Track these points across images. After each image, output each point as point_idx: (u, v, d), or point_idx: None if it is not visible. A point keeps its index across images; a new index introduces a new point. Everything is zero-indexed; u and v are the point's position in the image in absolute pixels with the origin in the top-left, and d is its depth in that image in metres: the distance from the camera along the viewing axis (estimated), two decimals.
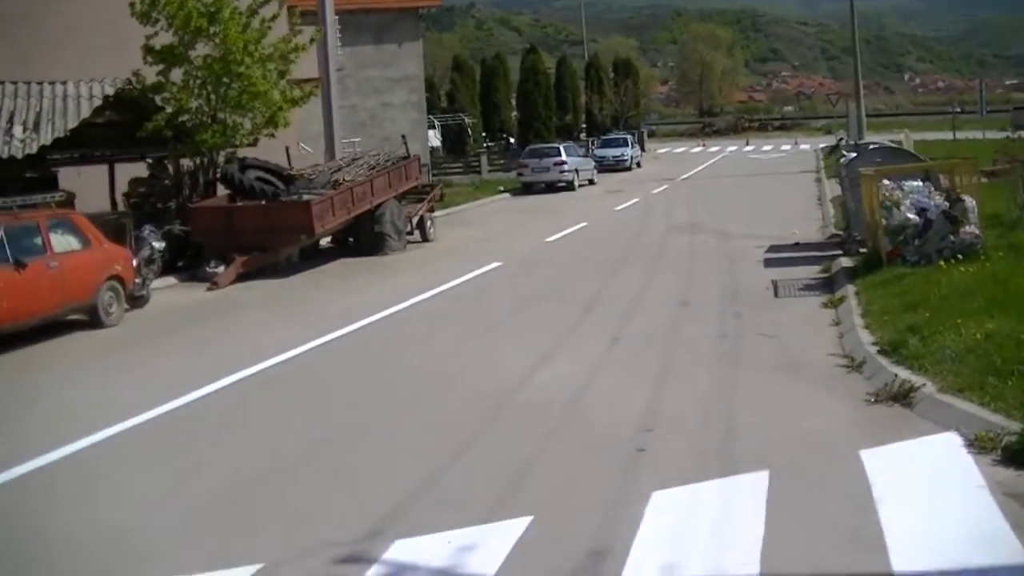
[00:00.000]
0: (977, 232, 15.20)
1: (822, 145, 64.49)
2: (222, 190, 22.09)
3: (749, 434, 8.30)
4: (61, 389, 11.69)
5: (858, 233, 18.75)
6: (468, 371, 11.43)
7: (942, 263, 14.16)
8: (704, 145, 74.40)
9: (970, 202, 15.36)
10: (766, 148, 69.06)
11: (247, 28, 21.25)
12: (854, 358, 10.91)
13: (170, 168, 21.86)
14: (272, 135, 22.11)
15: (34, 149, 18.04)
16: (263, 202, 20.67)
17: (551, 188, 40.74)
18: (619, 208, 31.97)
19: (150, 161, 22.09)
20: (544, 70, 57.13)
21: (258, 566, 6.08)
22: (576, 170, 41.81)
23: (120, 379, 12.10)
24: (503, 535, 6.31)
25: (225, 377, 11.37)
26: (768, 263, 18.93)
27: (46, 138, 18.44)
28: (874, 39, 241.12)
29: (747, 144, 74.45)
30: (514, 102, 60.48)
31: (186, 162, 22.37)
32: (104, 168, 22.35)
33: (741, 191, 37.24)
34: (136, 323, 16.01)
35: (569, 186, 40.86)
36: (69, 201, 17.17)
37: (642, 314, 14.50)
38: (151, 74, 21.52)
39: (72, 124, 18.99)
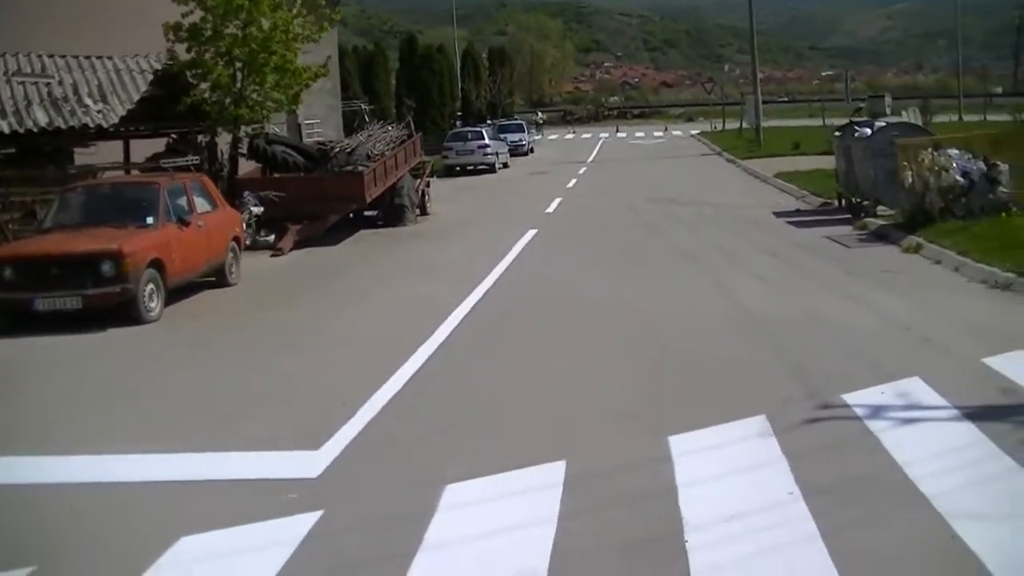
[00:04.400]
0: (1010, 191, 18.35)
1: (694, 132, 68.70)
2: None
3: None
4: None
5: (864, 198, 21.77)
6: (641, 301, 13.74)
7: (1003, 214, 17.23)
8: (575, 132, 77.70)
9: (1004, 166, 18.51)
10: (639, 135, 72.98)
11: (278, 8, 22.74)
12: (987, 281, 13.71)
13: (202, 142, 23.10)
14: (294, 110, 23.62)
15: (115, 119, 19.23)
16: (309, 173, 22.22)
17: (472, 171, 42.80)
18: (570, 186, 34.47)
19: (175, 136, 23.26)
20: (447, 60, 59.05)
21: None
22: (496, 153, 44.11)
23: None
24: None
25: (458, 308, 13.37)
26: (796, 224, 21.77)
27: (119, 110, 19.61)
28: (694, 31, 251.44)
29: (618, 131, 78.28)
30: (393, 88, 62.08)
31: (202, 137, 23.63)
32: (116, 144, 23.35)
33: (666, 171, 40.38)
34: (252, 281, 17.43)
35: (491, 168, 43.13)
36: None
37: (757, 260, 17.06)
38: (179, 51, 22.69)
39: (136, 96, 20.22)
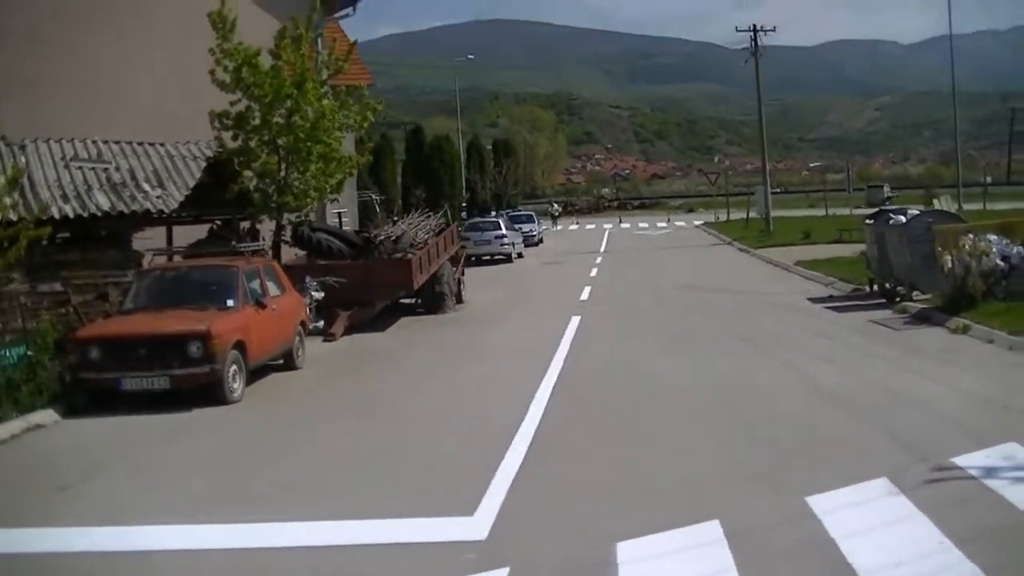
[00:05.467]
0: None
1: (696, 222, 69.82)
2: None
3: None
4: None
5: (899, 283, 22.49)
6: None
7: None
8: (578, 223, 78.79)
9: None
10: (643, 225, 74.01)
11: (324, 97, 23.52)
12: None
13: (243, 229, 23.71)
14: (336, 198, 24.32)
15: (175, 205, 19.87)
16: (354, 260, 22.83)
17: (489, 261, 43.50)
18: (593, 275, 35.11)
19: (219, 223, 23.88)
20: (452, 150, 60.18)
21: None
22: (512, 243, 44.90)
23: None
24: None
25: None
26: (835, 309, 22.47)
27: (176, 195, 20.26)
28: (685, 123, 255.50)
29: (621, 222, 79.41)
30: (400, 179, 63.10)
31: (244, 224, 24.25)
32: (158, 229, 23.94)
33: (683, 260, 41.16)
34: (316, 365, 17.95)
35: (507, 258, 43.84)
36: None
37: (812, 341, 17.72)
38: (224, 138, 23.39)
39: (191, 183, 20.86)
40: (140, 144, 21.78)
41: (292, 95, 22.54)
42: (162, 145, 22.02)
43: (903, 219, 22.59)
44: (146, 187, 20.21)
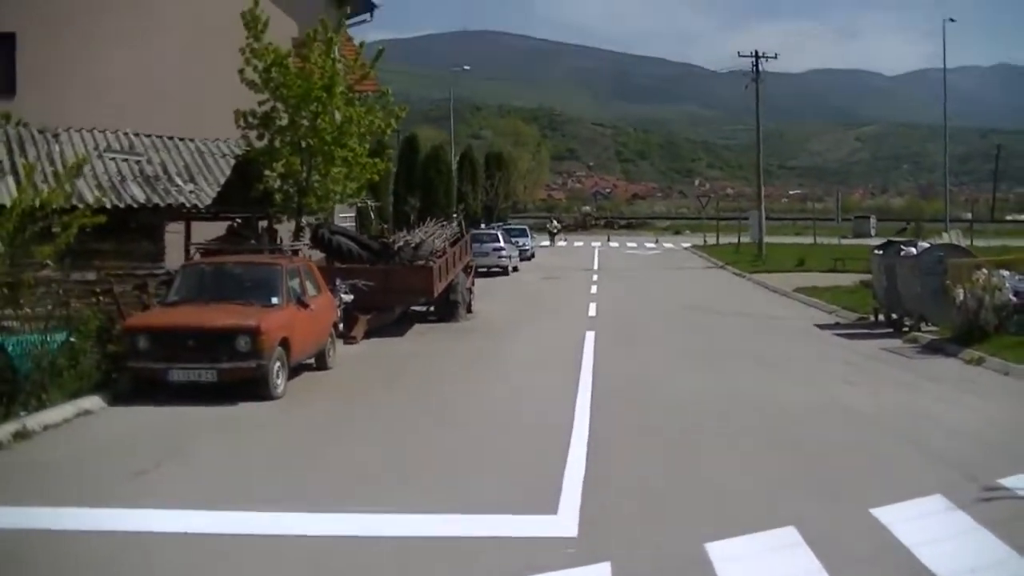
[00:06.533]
0: None
1: (685, 244, 70.66)
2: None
3: None
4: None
5: (907, 314, 23.19)
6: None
7: None
8: (567, 240, 79.38)
9: None
10: (631, 245, 74.77)
11: (351, 102, 24.00)
12: None
13: (262, 229, 24.13)
14: (357, 202, 24.78)
15: (208, 200, 20.32)
16: (373, 265, 23.32)
17: (485, 273, 43.90)
18: (594, 292, 35.67)
19: (239, 221, 24.30)
20: (447, 159, 60.68)
21: None
22: (510, 256, 45.47)
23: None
24: None
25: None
26: (845, 336, 23.18)
27: (208, 191, 20.70)
28: (666, 144, 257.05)
29: (609, 240, 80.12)
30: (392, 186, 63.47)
31: (263, 224, 24.68)
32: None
33: (681, 281, 41.91)
34: (345, 366, 18.42)
35: (504, 271, 44.39)
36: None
37: (830, 367, 18.41)
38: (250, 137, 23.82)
39: (221, 179, 21.32)
40: (171, 138, 22.22)
41: (321, 98, 22.96)
42: (192, 141, 22.47)
43: (914, 251, 23.32)
44: (179, 181, 20.66)
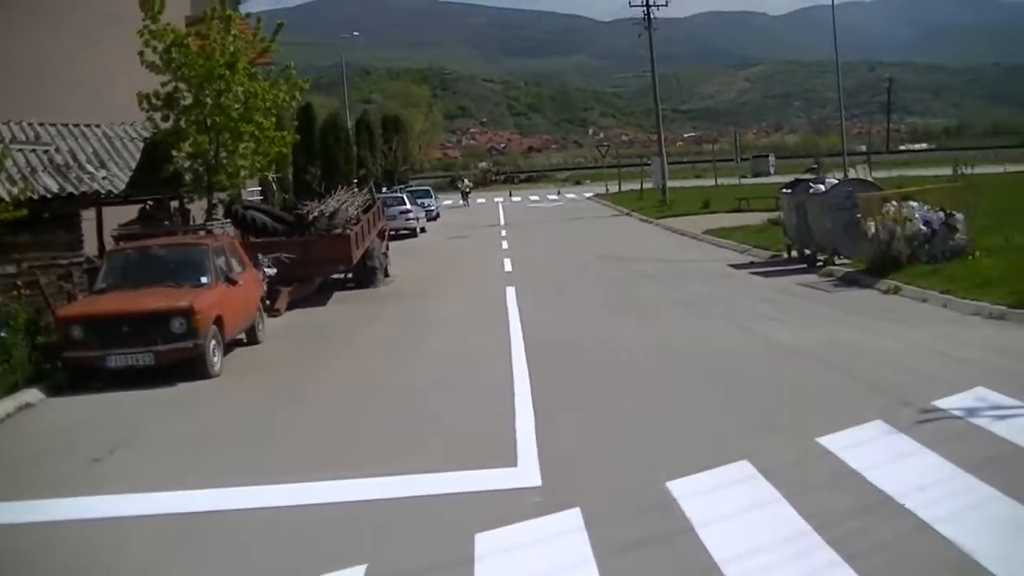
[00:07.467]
0: (967, 238, 20.66)
1: (587, 194, 71.32)
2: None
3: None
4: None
5: (820, 249, 23.94)
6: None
7: (969, 257, 19.51)
8: (483, 199, 79.57)
9: (960, 215, 20.82)
10: (534, 198, 75.30)
11: (254, 77, 23.88)
12: (979, 314, 15.78)
13: (174, 209, 23.99)
14: (267, 176, 24.75)
15: (122, 186, 20.18)
16: (287, 237, 23.37)
17: (393, 235, 43.98)
18: (505, 247, 36.01)
19: (151, 203, 24.11)
20: (345, 126, 60.37)
21: None
22: (417, 218, 45.62)
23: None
24: None
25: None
26: (761, 274, 23.83)
27: (122, 176, 20.56)
28: (558, 95, 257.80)
29: (511, 195, 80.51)
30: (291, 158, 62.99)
31: (175, 204, 24.53)
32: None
33: (590, 231, 42.46)
34: (274, 339, 18.53)
35: (412, 233, 44.56)
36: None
37: (752, 305, 18.96)
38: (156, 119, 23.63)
39: (132, 163, 21.19)
40: (76, 126, 21.95)
41: (224, 75, 22.80)
42: (98, 127, 22.25)
43: (823, 188, 24.01)
44: (90, 168, 20.46)
